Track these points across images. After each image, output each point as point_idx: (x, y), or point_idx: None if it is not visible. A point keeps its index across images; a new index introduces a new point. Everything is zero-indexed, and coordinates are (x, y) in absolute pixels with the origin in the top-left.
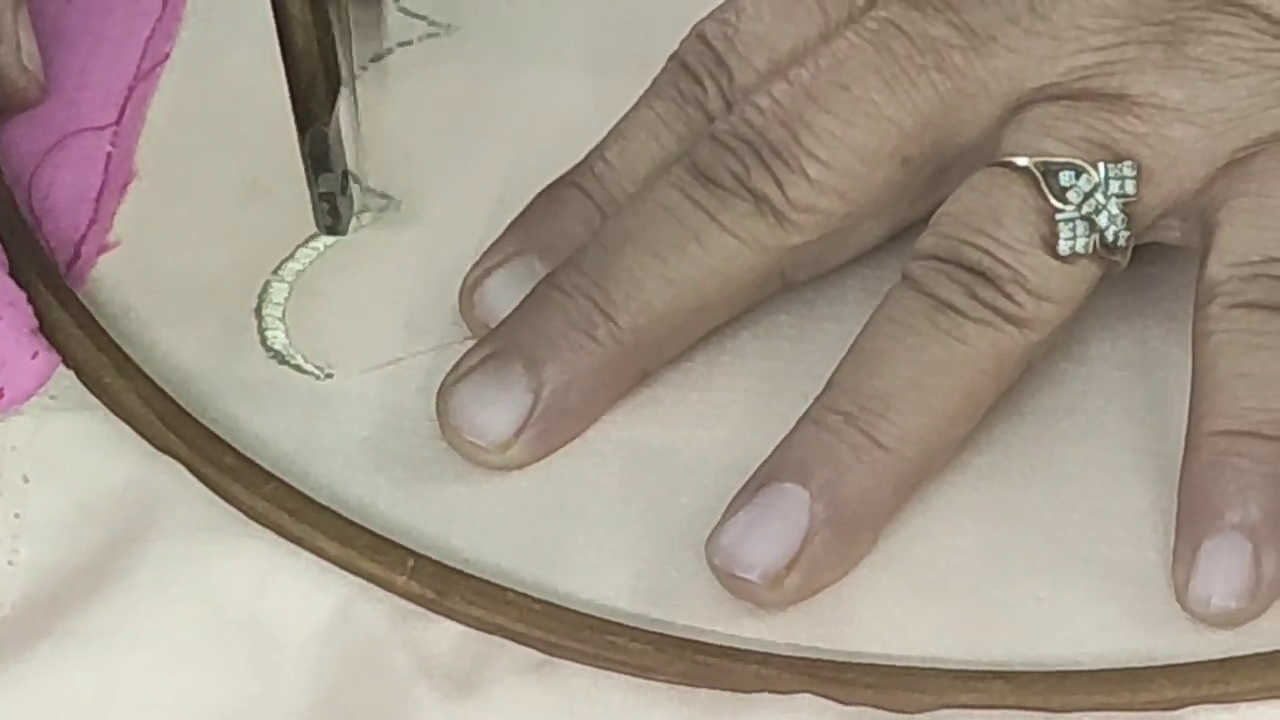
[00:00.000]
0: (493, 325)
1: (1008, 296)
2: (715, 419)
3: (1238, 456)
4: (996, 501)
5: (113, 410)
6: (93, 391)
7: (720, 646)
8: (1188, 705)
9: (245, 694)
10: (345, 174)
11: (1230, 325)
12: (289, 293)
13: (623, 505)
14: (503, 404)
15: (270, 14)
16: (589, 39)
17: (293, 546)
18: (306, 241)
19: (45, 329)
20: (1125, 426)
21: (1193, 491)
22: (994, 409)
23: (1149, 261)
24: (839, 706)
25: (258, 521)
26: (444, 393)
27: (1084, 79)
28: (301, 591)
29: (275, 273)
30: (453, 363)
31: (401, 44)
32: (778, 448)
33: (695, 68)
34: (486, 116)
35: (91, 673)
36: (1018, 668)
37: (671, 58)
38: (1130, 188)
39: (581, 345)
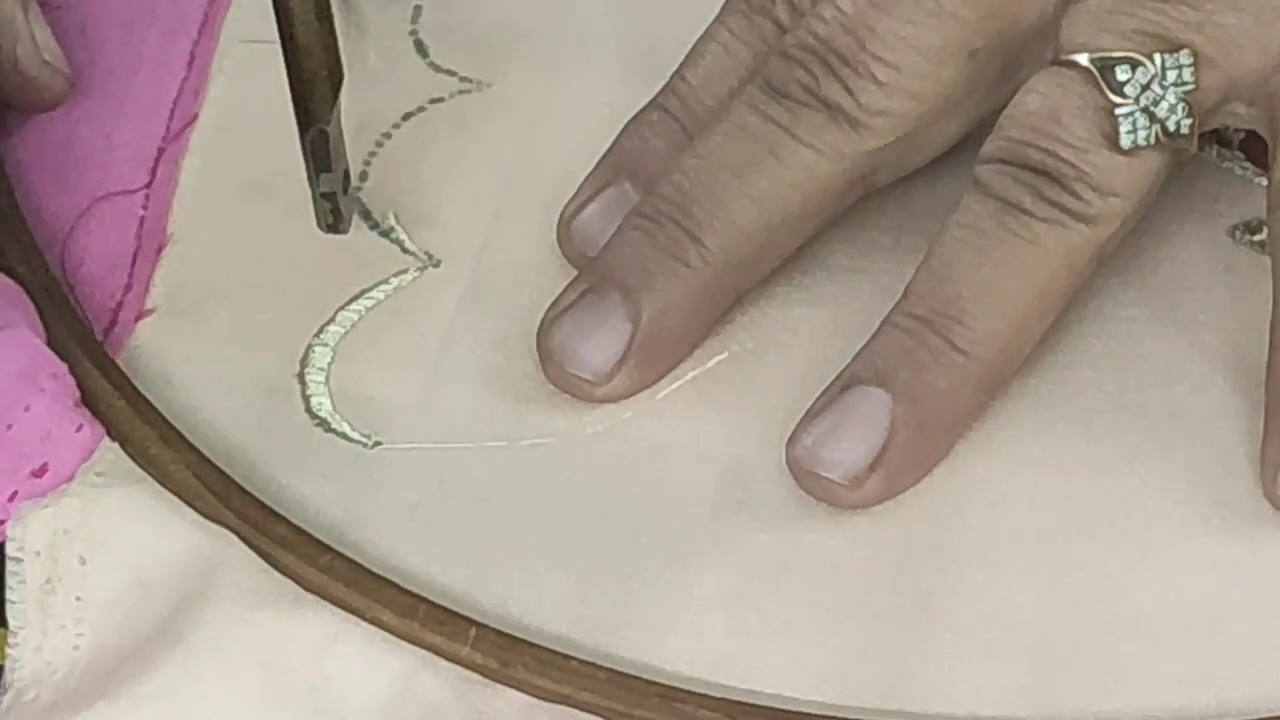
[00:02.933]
0: (593, 256)
1: (1074, 194)
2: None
3: None
4: (1058, 557)
5: (161, 483)
6: (139, 464)
7: (791, 711)
8: None
9: None
10: (346, 174)
11: None
12: (332, 357)
13: (682, 567)
14: (603, 336)
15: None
16: (622, 93)
17: (351, 618)
18: (347, 304)
19: (87, 400)
20: (1184, 476)
21: (1276, 386)
22: (1050, 461)
23: (1203, 309)
24: None
25: (314, 594)
26: (544, 330)
27: None
28: (362, 660)
29: (317, 336)
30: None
31: (434, 101)
32: (859, 353)
33: None
34: (522, 172)
35: None
36: None
37: None
38: (1188, 75)
39: (674, 271)
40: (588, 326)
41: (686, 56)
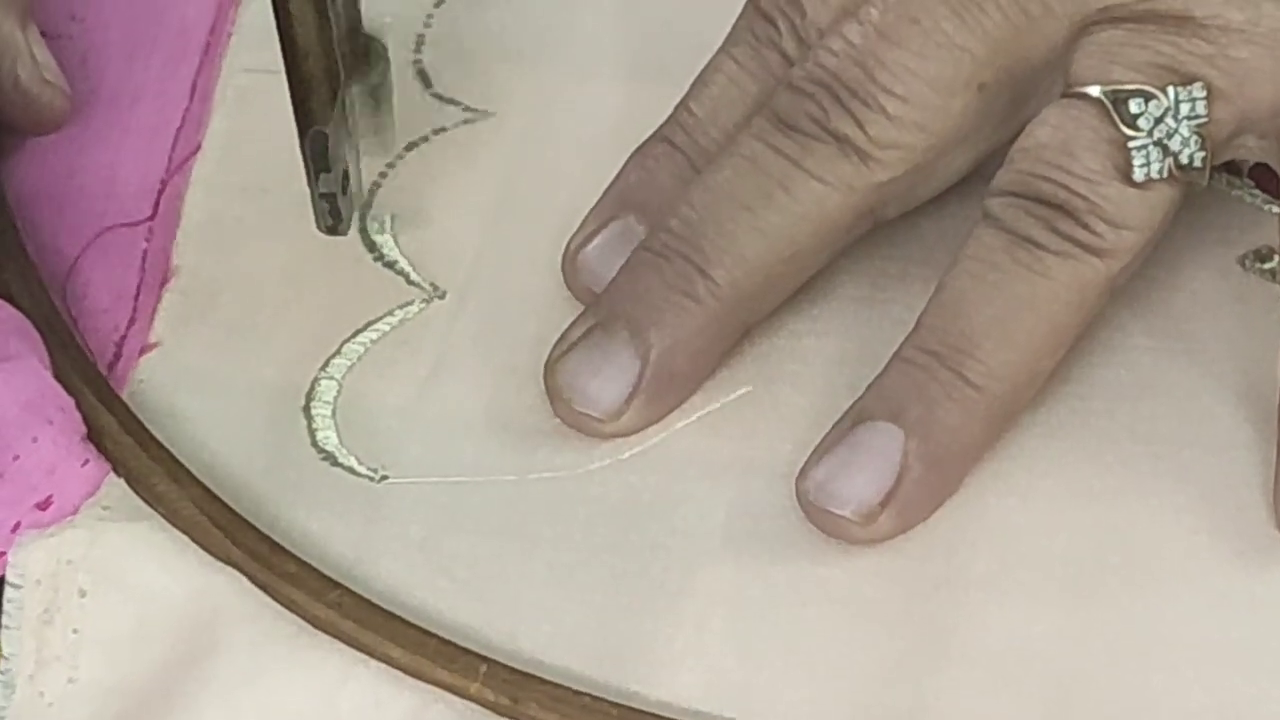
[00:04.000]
0: (598, 291)
1: (1086, 227)
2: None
3: None
4: (1071, 587)
5: (168, 519)
6: (146, 500)
7: None
8: None
9: None
10: (345, 174)
11: None
12: (338, 390)
13: (692, 601)
14: (611, 373)
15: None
16: (627, 122)
17: (361, 655)
18: (353, 337)
19: (91, 435)
20: (1197, 506)
21: None
22: (1062, 492)
23: (1214, 338)
24: None
25: (323, 630)
26: (552, 367)
27: (1148, 0)
28: (372, 701)
29: (323, 369)
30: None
31: (437, 131)
32: (869, 387)
33: (768, 9)
34: (528, 203)
35: None
36: None
37: (746, 4)
38: (1201, 109)
39: (682, 306)
40: (595, 363)
41: (691, 88)
